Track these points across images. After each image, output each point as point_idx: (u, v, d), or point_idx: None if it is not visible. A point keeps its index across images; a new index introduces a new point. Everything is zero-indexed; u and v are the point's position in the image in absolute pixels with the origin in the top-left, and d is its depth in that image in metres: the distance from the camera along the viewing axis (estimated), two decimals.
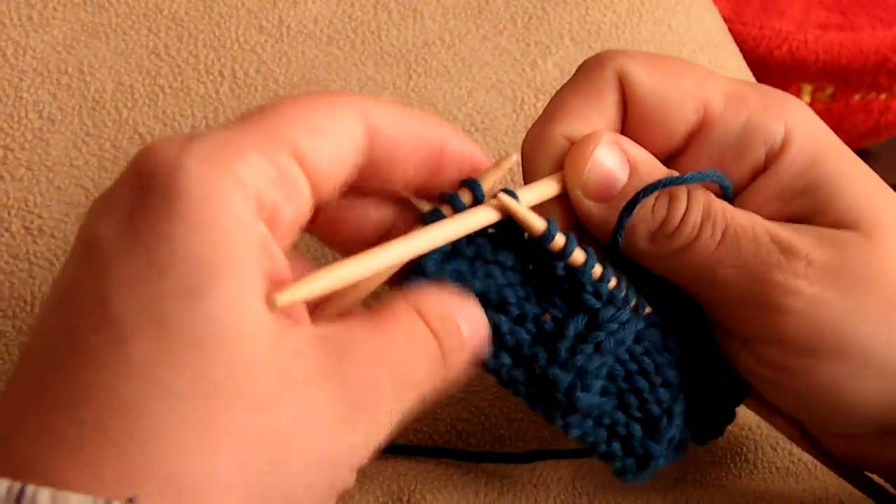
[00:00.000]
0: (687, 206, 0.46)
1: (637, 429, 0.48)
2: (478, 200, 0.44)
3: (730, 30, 0.89)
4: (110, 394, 0.33)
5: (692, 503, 0.56)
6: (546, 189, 0.46)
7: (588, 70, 0.48)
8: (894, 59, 1.32)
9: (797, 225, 0.46)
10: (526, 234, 0.45)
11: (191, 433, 0.33)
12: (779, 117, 0.46)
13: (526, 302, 0.46)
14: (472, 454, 0.59)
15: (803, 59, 1.32)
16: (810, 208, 0.47)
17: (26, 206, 0.61)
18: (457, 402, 0.62)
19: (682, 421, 0.50)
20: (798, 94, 1.38)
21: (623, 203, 0.46)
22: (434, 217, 0.43)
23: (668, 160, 0.49)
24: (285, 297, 0.36)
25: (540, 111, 0.71)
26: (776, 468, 0.60)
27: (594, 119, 0.47)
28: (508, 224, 0.44)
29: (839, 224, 0.46)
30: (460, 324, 0.41)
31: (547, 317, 0.46)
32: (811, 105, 1.39)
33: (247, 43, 0.69)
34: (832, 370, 0.46)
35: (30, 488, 0.31)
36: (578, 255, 0.45)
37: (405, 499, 0.52)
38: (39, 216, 0.61)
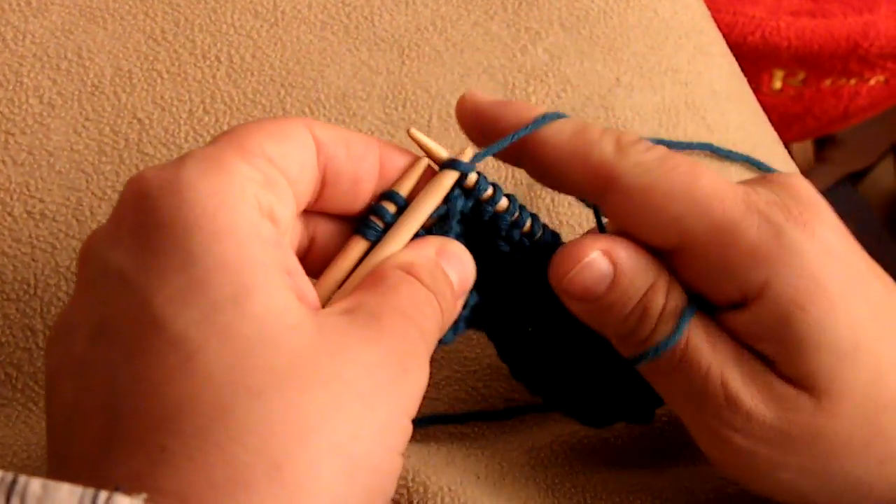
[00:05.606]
0: (658, 322, 0.47)
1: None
2: (400, 207, 0.45)
3: None
4: (200, 403, 0.34)
5: (685, 482, 0.57)
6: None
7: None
8: (864, 46, 1.33)
9: (758, 369, 0.47)
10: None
11: (279, 423, 0.34)
12: (761, 267, 0.45)
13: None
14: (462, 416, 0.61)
15: (776, 44, 1.33)
16: (778, 355, 0.46)
17: (28, 190, 0.62)
18: (454, 382, 0.63)
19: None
20: (770, 80, 1.40)
21: (601, 308, 0.48)
22: (365, 227, 0.45)
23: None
24: None
25: (531, 96, 0.73)
26: None
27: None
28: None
29: (798, 380, 0.46)
30: (448, 272, 0.44)
31: None
32: (782, 90, 1.42)
33: (242, 28, 0.70)
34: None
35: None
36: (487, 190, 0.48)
37: (409, 478, 0.53)
38: (41, 200, 0.61)
